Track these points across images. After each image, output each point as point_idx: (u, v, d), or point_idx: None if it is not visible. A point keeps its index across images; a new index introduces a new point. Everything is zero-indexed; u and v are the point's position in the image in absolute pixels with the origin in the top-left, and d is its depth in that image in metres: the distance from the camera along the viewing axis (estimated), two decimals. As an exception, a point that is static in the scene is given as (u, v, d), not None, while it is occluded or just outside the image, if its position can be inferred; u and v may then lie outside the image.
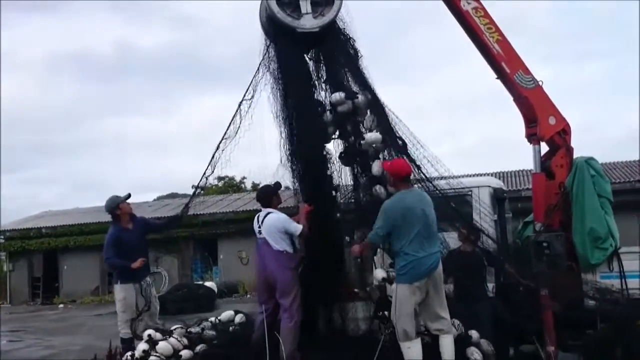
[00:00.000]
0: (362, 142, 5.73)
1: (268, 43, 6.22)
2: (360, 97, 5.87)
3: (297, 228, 5.50)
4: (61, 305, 22.55)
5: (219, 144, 6.34)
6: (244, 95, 6.28)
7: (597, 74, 63.91)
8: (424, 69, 70.02)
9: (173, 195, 34.79)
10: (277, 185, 5.94)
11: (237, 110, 6.29)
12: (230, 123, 6.30)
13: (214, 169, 6.46)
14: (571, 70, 64.41)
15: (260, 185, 6.52)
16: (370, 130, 5.81)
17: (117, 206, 6.88)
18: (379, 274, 5.46)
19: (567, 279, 6.34)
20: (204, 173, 6.54)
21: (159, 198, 35.45)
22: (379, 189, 5.58)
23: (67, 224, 25.72)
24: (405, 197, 5.03)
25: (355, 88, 6.01)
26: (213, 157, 6.39)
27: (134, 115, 71.43)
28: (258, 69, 6.22)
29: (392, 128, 5.99)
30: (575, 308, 6.15)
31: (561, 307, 6.02)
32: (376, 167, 5.65)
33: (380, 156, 5.79)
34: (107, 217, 7.04)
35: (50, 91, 68.50)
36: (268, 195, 5.82)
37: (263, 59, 6.19)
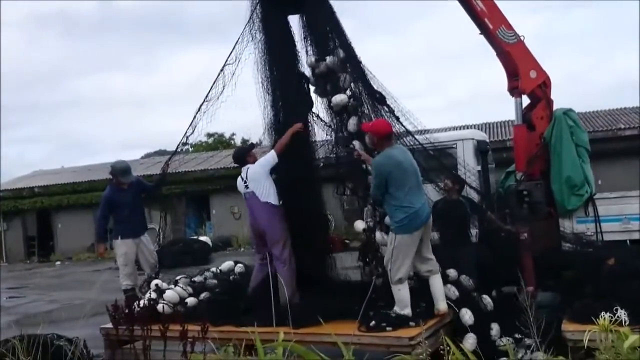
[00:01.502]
0: (331, 104, 5.81)
1: (253, 8, 6.23)
2: (329, 59, 5.85)
3: (272, 154, 5.80)
4: (58, 263, 22.90)
5: (200, 106, 6.49)
6: (226, 60, 6.38)
7: (585, 23, 63.60)
8: (411, 19, 69.15)
9: (161, 153, 34.72)
10: (251, 145, 6.33)
11: (219, 75, 6.41)
12: (211, 86, 6.44)
13: (194, 130, 6.64)
14: (560, 19, 63.98)
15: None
16: (345, 89, 5.82)
17: (125, 171, 7.14)
18: (359, 225, 5.74)
19: (545, 224, 6.75)
20: (185, 133, 6.72)
21: (147, 155, 35.48)
22: (355, 143, 5.72)
23: (59, 183, 25.84)
24: (393, 153, 5.24)
25: (334, 45, 5.99)
26: (194, 118, 6.57)
27: (119, 72, 70.40)
28: (242, 34, 6.28)
29: (369, 82, 6.01)
30: (553, 251, 6.57)
31: (540, 250, 6.45)
32: (352, 124, 5.73)
33: (359, 111, 5.84)
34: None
35: (35, 50, 67.10)
36: (242, 155, 6.16)
37: (247, 23, 6.23)
